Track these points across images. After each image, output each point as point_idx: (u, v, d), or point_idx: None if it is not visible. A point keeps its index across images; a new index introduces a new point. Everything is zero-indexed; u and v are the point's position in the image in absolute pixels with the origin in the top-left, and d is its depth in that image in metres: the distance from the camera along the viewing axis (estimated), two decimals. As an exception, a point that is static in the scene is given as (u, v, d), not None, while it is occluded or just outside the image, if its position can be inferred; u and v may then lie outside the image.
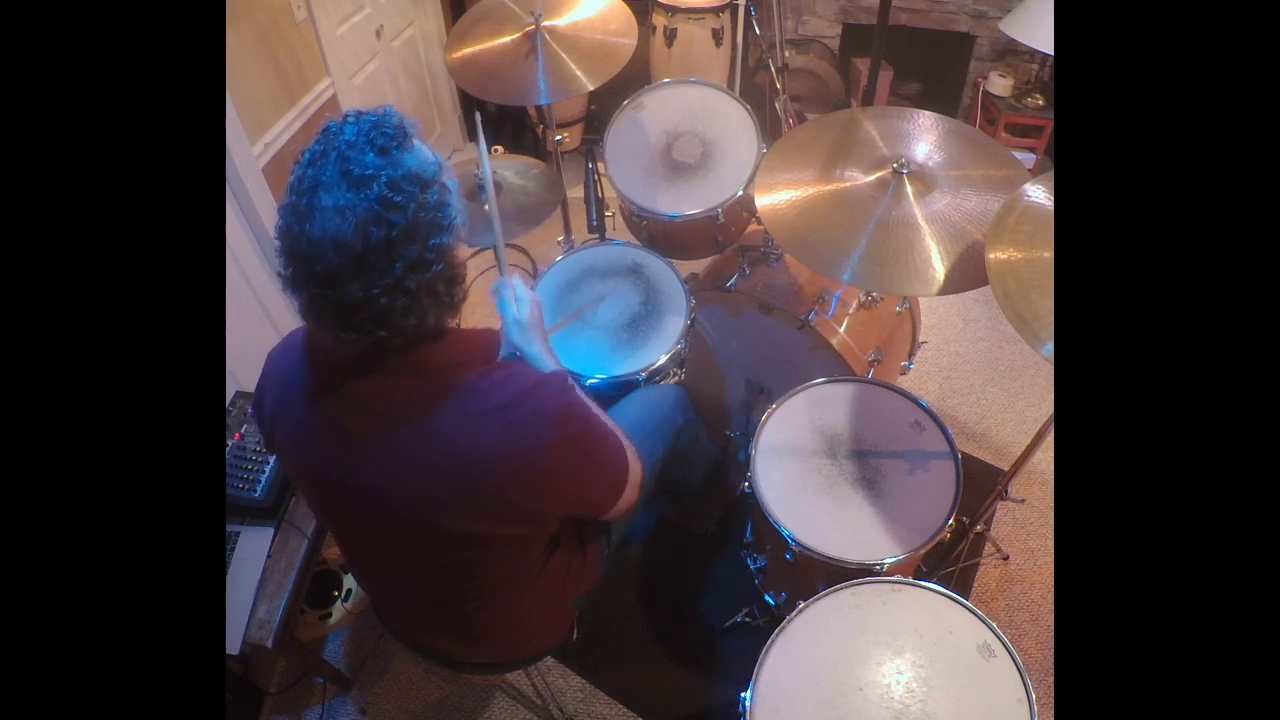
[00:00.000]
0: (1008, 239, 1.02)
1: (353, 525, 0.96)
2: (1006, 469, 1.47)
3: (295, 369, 0.87)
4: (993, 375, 2.30)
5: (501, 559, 0.95)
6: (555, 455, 0.84)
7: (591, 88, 1.60)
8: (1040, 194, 1.08)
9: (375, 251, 0.69)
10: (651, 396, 1.38)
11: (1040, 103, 2.91)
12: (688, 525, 1.82)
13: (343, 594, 1.76)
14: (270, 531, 1.35)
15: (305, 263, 0.70)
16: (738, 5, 2.80)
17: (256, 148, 1.79)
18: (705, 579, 1.79)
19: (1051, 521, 1.91)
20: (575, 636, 1.19)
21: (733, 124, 1.70)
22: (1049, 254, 0.98)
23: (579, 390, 0.94)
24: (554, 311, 1.58)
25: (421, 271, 0.72)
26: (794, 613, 1.07)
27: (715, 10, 2.75)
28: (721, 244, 1.75)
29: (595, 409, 0.98)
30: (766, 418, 1.39)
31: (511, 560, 0.97)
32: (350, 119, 0.74)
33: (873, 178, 1.34)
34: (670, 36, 2.81)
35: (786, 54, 3.05)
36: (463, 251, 0.80)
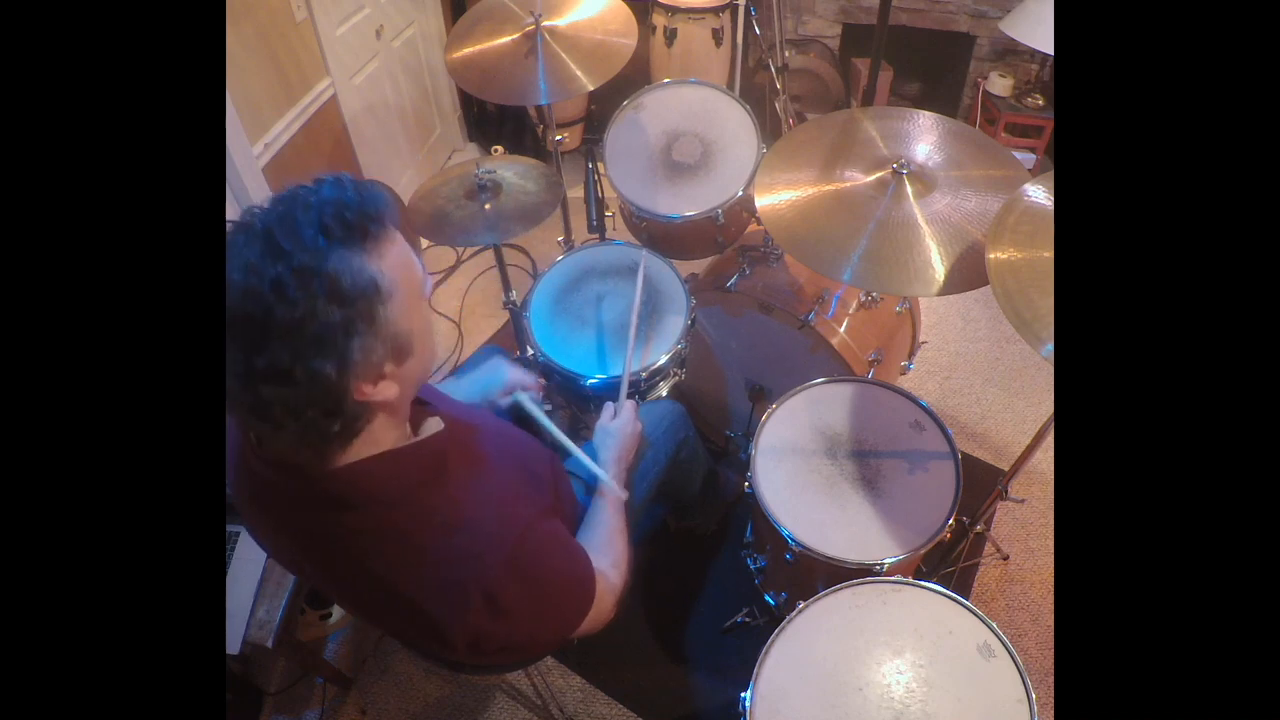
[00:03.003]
0: (1008, 239, 1.02)
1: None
2: (1006, 469, 1.47)
3: (242, 482, 0.82)
4: (993, 375, 2.30)
5: None
6: (487, 603, 0.74)
7: (591, 88, 1.60)
8: (1040, 194, 1.08)
9: (246, 325, 0.60)
10: (656, 411, 1.40)
11: (1040, 103, 2.91)
12: (688, 528, 1.83)
13: (343, 594, 1.76)
14: (270, 531, 1.35)
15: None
16: (738, 5, 2.80)
17: (256, 148, 1.79)
18: (705, 579, 1.79)
19: (1051, 521, 1.91)
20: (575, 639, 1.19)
21: (732, 124, 1.70)
22: (1049, 254, 0.98)
23: (541, 517, 0.83)
24: (554, 312, 1.58)
25: (280, 383, 0.61)
26: (794, 613, 1.07)
27: (715, 10, 2.74)
28: (721, 244, 1.75)
29: (553, 550, 0.84)
30: (766, 418, 1.39)
31: None
32: (335, 182, 0.65)
33: (873, 178, 1.34)
34: (670, 36, 2.81)
35: (786, 54, 3.05)
36: (379, 391, 0.67)
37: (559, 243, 1.93)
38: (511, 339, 2.19)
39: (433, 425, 0.82)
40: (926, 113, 1.45)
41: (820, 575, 1.25)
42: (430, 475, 0.76)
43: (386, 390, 0.68)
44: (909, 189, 1.31)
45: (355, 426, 0.69)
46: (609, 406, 1.26)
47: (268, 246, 0.60)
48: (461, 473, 0.79)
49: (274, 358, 0.59)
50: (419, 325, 0.70)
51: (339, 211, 0.62)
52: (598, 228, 1.87)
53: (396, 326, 0.66)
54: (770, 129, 2.94)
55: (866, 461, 1.32)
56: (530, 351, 1.51)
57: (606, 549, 1.02)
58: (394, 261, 0.66)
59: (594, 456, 1.15)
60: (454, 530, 0.74)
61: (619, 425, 1.20)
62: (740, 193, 1.62)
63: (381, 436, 0.73)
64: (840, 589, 1.09)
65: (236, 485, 0.84)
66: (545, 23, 1.63)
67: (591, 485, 1.12)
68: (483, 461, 0.85)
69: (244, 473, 0.80)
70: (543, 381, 1.24)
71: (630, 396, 1.31)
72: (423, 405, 0.85)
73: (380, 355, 0.66)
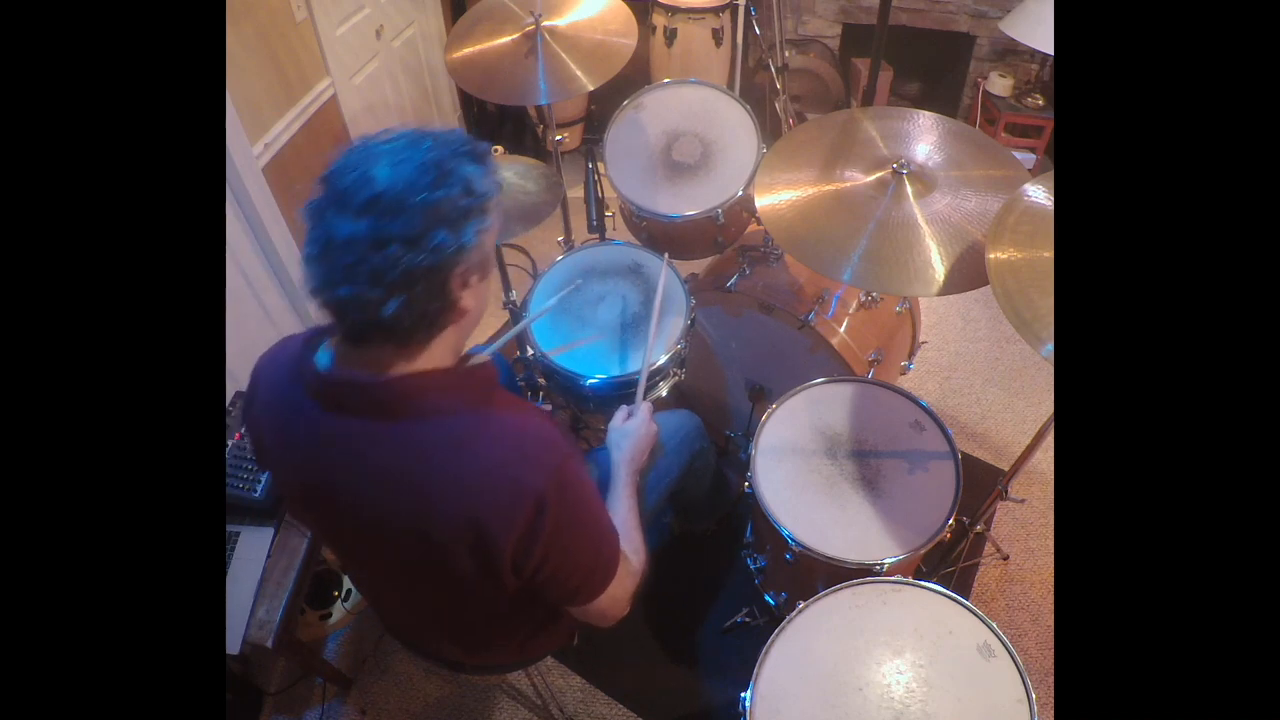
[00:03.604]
0: (1008, 239, 1.02)
1: (349, 544, 0.96)
2: (1006, 469, 1.47)
3: (284, 391, 0.84)
4: (993, 375, 2.30)
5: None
6: (536, 510, 0.78)
7: (591, 88, 1.60)
8: (1040, 194, 1.08)
9: (385, 199, 0.68)
10: (672, 421, 1.40)
11: (1040, 103, 2.91)
12: (690, 529, 1.83)
13: (343, 594, 1.76)
14: (270, 531, 1.35)
15: (342, 178, 0.70)
16: (738, 5, 2.80)
17: (256, 148, 1.79)
18: (705, 579, 1.79)
19: (1051, 521, 1.91)
20: (576, 640, 1.20)
21: (732, 124, 1.70)
22: (1049, 254, 0.98)
23: (580, 460, 0.87)
24: (554, 312, 1.58)
25: (406, 247, 0.69)
26: (794, 613, 1.07)
27: (715, 10, 2.74)
28: (721, 244, 1.75)
29: (588, 487, 0.89)
30: (766, 418, 1.39)
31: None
32: (451, 128, 0.78)
33: (873, 178, 1.34)
34: (670, 36, 2.81)
35: (786, 54, 3.05)
36: (466, 299, 0.77)
37: (559, 243, 1.93)
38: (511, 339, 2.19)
39: (477, 362, 0.89)
40: (926, 113, 1.45)
41: (820, 575, 1.25)
42: (481, 396, 0.82)
43: (468, 299, 0.77)
44: (909, 189, 1.31)
45: (441, 320, 0.77)
46: (623, 408, 1.25)
47: (411, 142, 0.72)
48: (504, 400, 0.85)
49: (409, 223, 0.69)
50: (493, 256, 0.82)
51: (463, 138, 0.75)
52: (598, 228, 1.87)
53: (489, 243, 0.77)
54: (770, 129, 2.94)
55: (866, 461, 1.32)
56: (530, 352, 1.51)
57: (627, 537, 1.02)
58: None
59: (607, 458, 1.15)
60: (505, 441, 0.80)
61: (634, 426, 1.19)
62: (740, 193, 1.62)
63: (443, 354, 0.80)
64: (840, 589, 1.09)
65: (270, 417, 0.88)
66: (545, 23, 1.63)
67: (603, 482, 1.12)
68: (516, 400, 0.91)
69: (287, 405, 0.83)
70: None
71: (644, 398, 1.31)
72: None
73: (477, 257, 0.75)
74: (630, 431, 1.18)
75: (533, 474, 0.78)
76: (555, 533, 0.80)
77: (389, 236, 0.68)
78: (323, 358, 0.80)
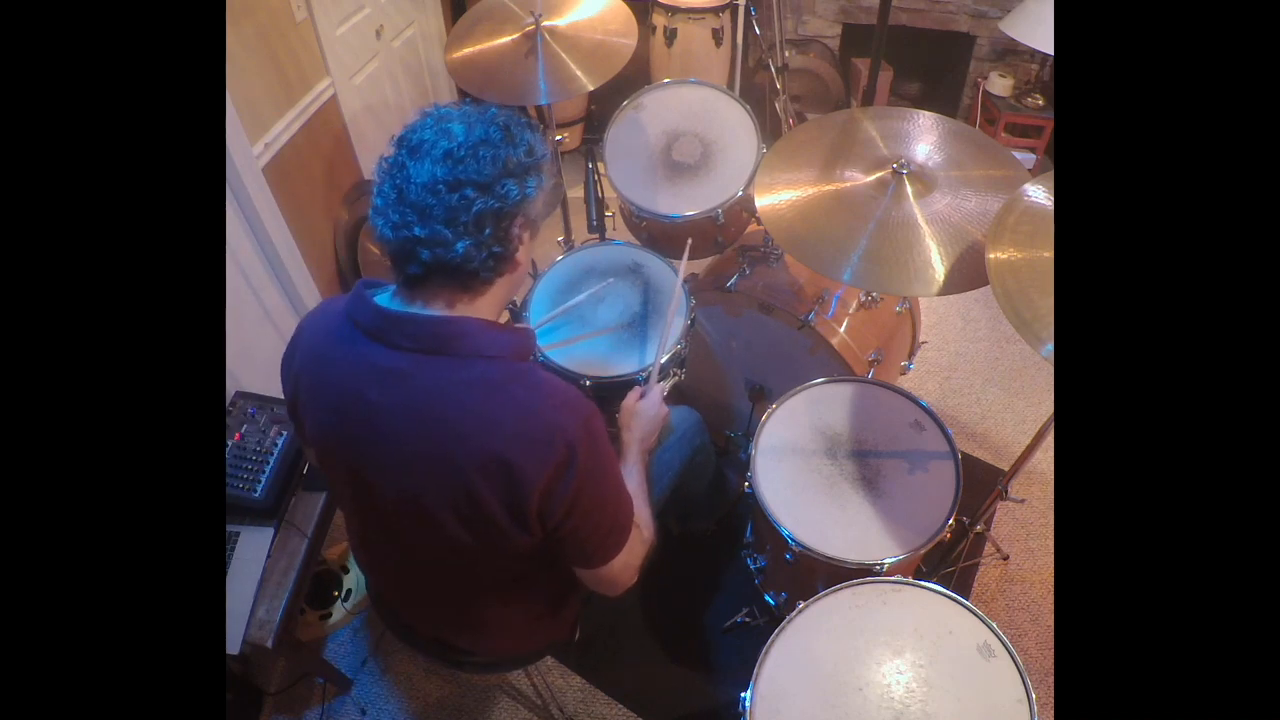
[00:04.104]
0: (1008, 239, 1.02)
1: (365, 500, 0.96)
2: (1006, 469, 1.47)
3: (330, 334, 0.89)
4: (993, 375, 2.30)
5: (504, 557, 0.95)
6: (567, 456, 0.82)
7: (591, 88, 1.60)
8: (1040, 194, 1.08)
9: (475, 147, 0.78)
10: (675, 416, 1.40)
11: (1040, 103, 2.91)
12: (690, 529, 1.83)
13: (343, 594, 1.76)
14: (270, 531, 1.35)
15: (421, 132, 0.80)
16: (738, 5, 2.80)
17: (256, 148, 1.79)
18: (705, 579, 1.79)
19: (1051, 521, 1.91)
20: (578, 635, 1.20)
21: (732, 124, 1.70)
22: (1049, 254, 0.98)
23: (604, 421, 0.92)
24: (552, 312, 1.58)
25: (478, 190, 0.78)
26: (794, 613, 1.07)
27: (715, 10, 2.74)
28: (721, 244, 1.75)
29: (609, 445, 0.95)
30: (766, 418, 1.39)
31: (515, 560, 0.96)
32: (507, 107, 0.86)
33: (873, 178, 1.34)
34: (670, 36, 2.81)
35: (786, 54, 3.05)
36: (524, 252, 0.87)
37: (559, 243, 1.93)
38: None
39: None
40: (926, 113, 1.45)
41: (820, 575, 1.25)
42: (521, 349, 0.89)
43: (523, 252, 0.87)
44: (909, 189, 1.31)
45: (500, 266, 0.84)
46: (636, 389, 1.27)
47: (480, 109, 0.82)
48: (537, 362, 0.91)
49: (480, 169, 0.78)
50: (541, 219, 0.89)
51: (519, 113, 0.85)
52: (598, 228, 1.87)
53: (539, 203, 0.86)
54: (770, 129, 2.94)
55: (866, 461, 1.32)
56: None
57: (639, 509, 1.04)
58: None
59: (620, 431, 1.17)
60: (542, 389, 0.85)
61: (645, 405, 1.22)
62: (740, 193, 1.62)
63: (494, 304, 0.89)
64: (840, 589, 1.09)
65: (312, 360, 0.92)
66: (545, 23, 1.63)
67: None
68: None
69: (335, 342, 0.88)
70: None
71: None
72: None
73: (534, 212, 0.86)
74: (642, 411, 1.21)
75: (567, 421, 0.83)
76: (581, 485, 0.84)
77: (465, 180, 0.77)
78: (382, 297, 0.86)
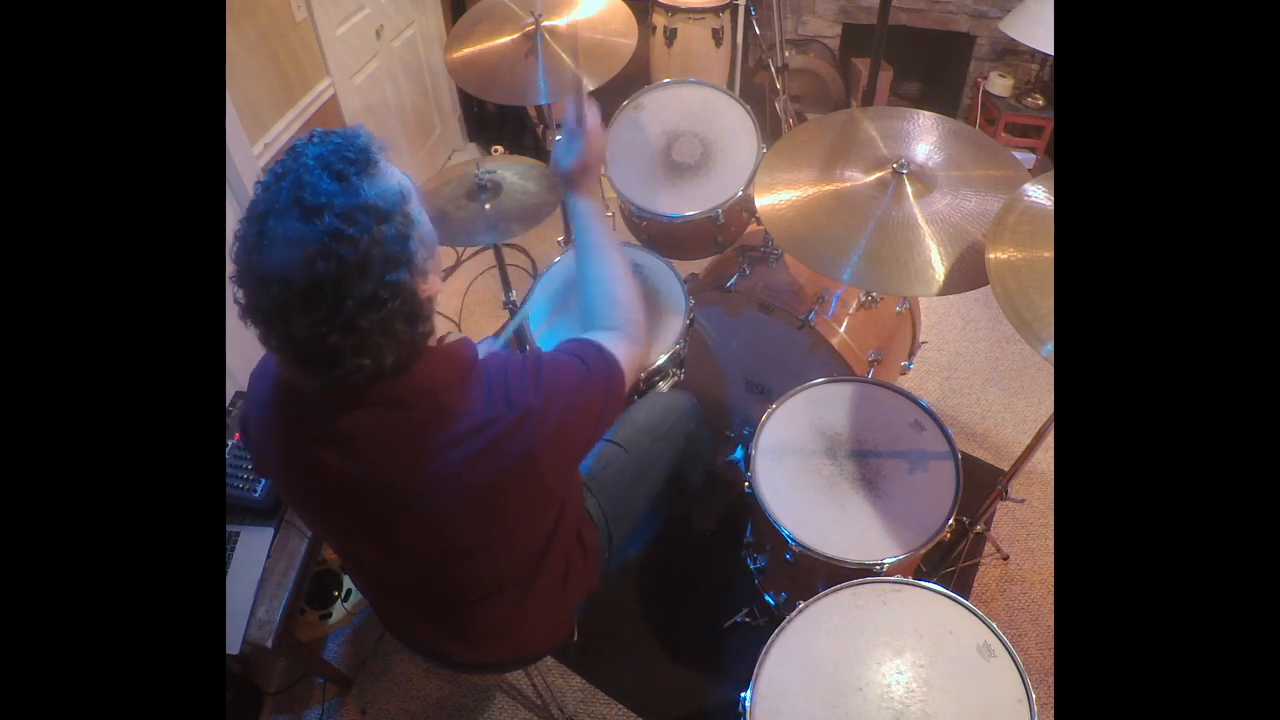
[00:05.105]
0: (1008, 239, 1.02)
1: (349, 544, 0.96)
2: (1006, 469, 1.47)
3: (270, 401, 0.84)
4: (993, 375, 2.30)
5: (499, 564, 0.95)
6: (550, 446, 0.82)
7: (591, 88, 1.60)
8: (1040, 194, 1.08)
9: (321, 287, 0.64)
10: (666, 402, 1.39)
11: (1040, 103, 2.91)
12: (687, 515, 1.82)
13: (343, 594, 1.76)
14: (270, 531, 1.35)
15: (253, 294, 0.67)
16: (738, 5, 2.80)
17: (256, 148, 1.79)
18: (705, 579, 1.79)
19: (1051, 521, 1.90)
20: (576, 638, 1.20)
21: (732, 124, 1.70)
22: (1049, 254, 0.98)
23: (545, 352, 0.90)
24: (554, 312, 1.58)
25: (374, 309, 0.67)
26: (794, 613, 1.07)
27: (715, 10, 2.74)
28: (721, 244, 1.75)
29: (565, 353, 0.91)
30: (766, 418, 1.39)
31: (510, 564, 0.97)
32: (315, 140, 0.69)
33: (873, 178, 1.34)
34: (670, 36, 2.81)
35: (786, 54, 3.05)
36: (431, 286, 0.75)
37: (559, 243, 1.93)
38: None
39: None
40: (926, 113, 1.45)
41: (820, 575, 1.25)
42: (468, 363, 0.82)
43: (434, 284, 0.76)
44: (909, 189, 1.31)
45: (430, 327, 0.76)
46: (569, 117, 1.09)
47: (302, 212, 0.65)
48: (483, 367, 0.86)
49: (360, 291, 0.66)
50: (427, 222, 0.78)
51: (340, 153, 0.68)
52: (598, 228, 1.86)
53: (424, 221, 0.75)
54: (770, 129, 2.94)
55: (866, 461, 1.32)
56: (529, 350, 1.51)
57: (612, 307, 1.01)
58: (397, 169, 0.74)
59: (561, 167, 1.11)
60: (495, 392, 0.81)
61: (587, 128, 1.08)
62: (740, 193, 1.62)
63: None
64: (840, 589, 1.09)
65: (260, 416, 0.87)
66: (545, 23, 1.63)
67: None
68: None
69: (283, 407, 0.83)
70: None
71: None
72: None
73: (425, 250, 0.73)
74: (580, 135, 1.08)
75: (528, 435, 0.80)
76: (555, 393, 0.82)
77: (350, 315, 0.66)
78: None
